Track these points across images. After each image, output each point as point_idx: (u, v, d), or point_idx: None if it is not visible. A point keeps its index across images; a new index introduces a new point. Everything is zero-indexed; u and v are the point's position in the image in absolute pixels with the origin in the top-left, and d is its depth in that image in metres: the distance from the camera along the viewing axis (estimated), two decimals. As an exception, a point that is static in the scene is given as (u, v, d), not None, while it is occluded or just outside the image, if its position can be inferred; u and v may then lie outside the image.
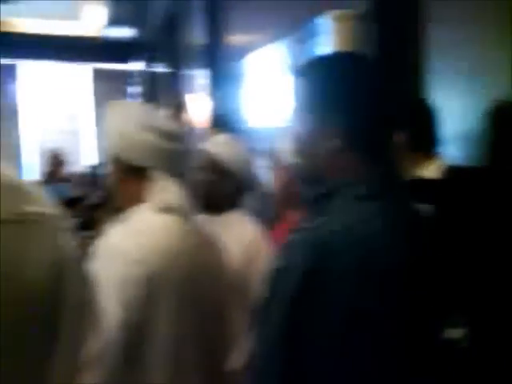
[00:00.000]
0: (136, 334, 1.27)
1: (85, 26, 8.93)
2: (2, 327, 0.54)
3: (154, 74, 8.75)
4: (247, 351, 1.74)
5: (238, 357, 1.61)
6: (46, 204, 0.61)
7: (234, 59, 5.29)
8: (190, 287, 1.36)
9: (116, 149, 1.42)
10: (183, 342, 1.34)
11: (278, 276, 0.93)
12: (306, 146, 1.04)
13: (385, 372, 0.89)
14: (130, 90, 9.94)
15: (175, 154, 1.43)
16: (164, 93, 7.72)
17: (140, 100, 9.48)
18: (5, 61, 9.56)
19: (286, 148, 1.95)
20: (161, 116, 1.46)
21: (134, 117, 1.41)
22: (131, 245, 1.30)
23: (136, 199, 1.39)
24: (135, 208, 1.38)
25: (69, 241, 0.64)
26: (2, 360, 0.54)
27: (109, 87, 10.28)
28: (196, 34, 5.57)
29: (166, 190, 1.39)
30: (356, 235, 0.90)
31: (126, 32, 8.81)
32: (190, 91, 6.46)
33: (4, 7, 7.31)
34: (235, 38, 5.21)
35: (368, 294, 0.88)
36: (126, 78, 10.14)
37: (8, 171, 0.61)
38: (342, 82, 1.00)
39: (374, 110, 1.00)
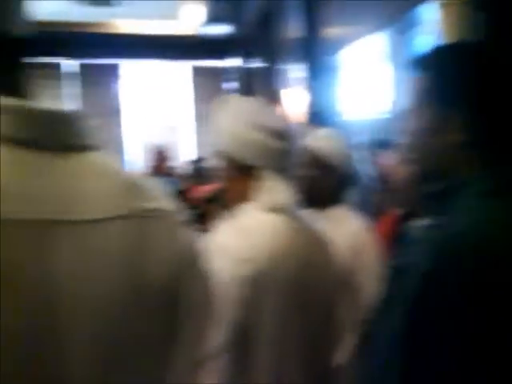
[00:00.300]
0: (242, 334, 1.28)
1: (183, 24, 9.17)
2: (125, 325, 0.55)
3: (250, 69, 8.83)
4: (352, 347, 1.72)
5: (342, 353, 1.60)
6: (163, 200, 0.62)
7: (331, 52, 5.23)
8: (296, 288, 1.35)
9: (228, 148, 1.43)
10: (288, 343, 1.34)
11: (397, 275, 0.91)
12: (424, 141, 1.00)
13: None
14: (228, 85, 10.08)
15: (283, 152, 1.43)
16: (260, 88, 7.77)
17: (237, 95, 9.59)
18: (108, 61, 10.01)
19: (397, 143, 1.91)
20: (270, 114, 1.46)
21: (244, 115, 1.42)
22: (239, 243, 1.30)
23: (243, 197, 1.40)
24: (243, 206, 1.39)
25: (188, 236, 0.64)
26: (118, 360, 0.55)
27: (208, 84, 10.50)
28: (292, 28, 5.54)
29: (274, 190, 1.38)
30: (480, 235, 0.85)
31: (222, 29, 8.94)
32: (286, 86, 6.46)
33: (106, 10, 7.65)
34: (332, 31, 5.15)
35: (491, 299, 0.83)
36: (224, 74, 10.30)
37: (125, 169, 0.62)
38: (464, 74, 0.96)
39: (497, 103, 0.95)
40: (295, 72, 5.68)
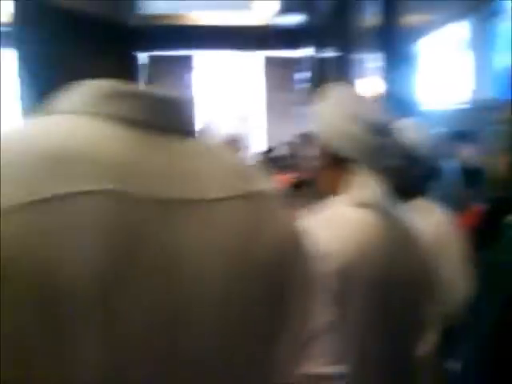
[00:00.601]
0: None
1: (256, 15, 9.20)
2: (238, 308, 0.55)
3: (323, 59, 8.76)
4: (433, 343, 1.69)
5: (423, 349, 1.56)
6: (267, 182, 0.63)
7: (409, 41, 5.10)
8: (382, 284, 1.32)
9: (325, 138, 1.42)
10: (370, 338, 1.32)
11: (493, 272, 0.88)
12: None
13: None
14: (300, 76, 10.05)
15: (381, 148, 1.40)
16: (334, 78, 7.69)
17: (309, 86, 9.55)
18: (182, 52, 10.20)
19: (479, 134, 1.85)
20: (372, 107, 1.43)
21: (346, 106, 1.40)
22: (325, 236, 1.29)
23: (334, 189, 1.38)
24: (332, 198, 1.37)
25: (292, 219, 0.65)
26: (233, 345, 0.55)
27: (279, 74, 10.52)
28: (369, 16, 5.45)
29: (365, 185, 1.36)
30: None
31: (296, 19, 8.92)
32: (362, 75, 6.37)
33: (181, 2, 7.79)
34: (411, 19, 5.02)
35: None
36: (296, 64, 10.28)
37: (228, 153, 0.63)
38: None
39: None
40: (371, 61, 5.59)
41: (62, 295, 0.44)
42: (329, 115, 1.41)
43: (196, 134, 0.59)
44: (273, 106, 10.69)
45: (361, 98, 1.45)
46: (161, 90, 0.57)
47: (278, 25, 9.06)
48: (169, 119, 0.56)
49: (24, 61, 0.61)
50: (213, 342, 0.53)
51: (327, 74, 8.43)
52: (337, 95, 1.46)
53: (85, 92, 0.54)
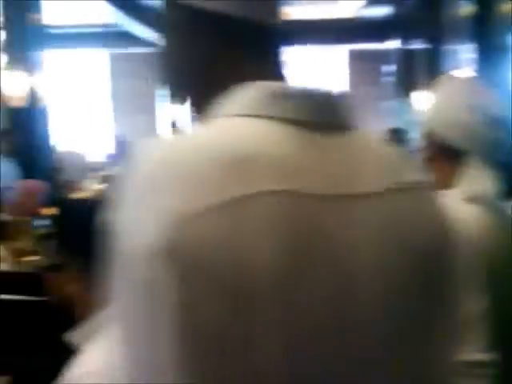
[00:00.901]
0: None
1: (343, 7, 9.10)
2: (398, 299, 0.56)
3: (410, 51, 8.55)
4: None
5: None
6: (420, 172, 0.63)
7: (504, 31, 4.89)
8: (490, 279, 1.29)
9: (432, 123, 1.38)
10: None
11: None
12: None
13: None
14: (386, 68, 9.85)
15: (497, 142, 1.35)
16: (422, 70, 7.49)
17: (395, 79, 9.35)
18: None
19: None
20: (490, 98, 1.38)
21: (462, 95, 1.35)
22: None
23: (443, 182, 1.34)
24: (441, 192, 1.34)
25: (443, 209, 0.65)
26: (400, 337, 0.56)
27: (364, 67, 10.35)
28: (462, 5, 5.27)
29: (477, 180, 1.31)
30: None
31: (383, 11, 8.74)
32: (453, 68, 6.16)
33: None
34: (507, 7, 4.80)
35: None
36: (381, 57, 10.08)
37: (384, 145, 0.64)
38: None
39: None
40: (463, 53, 5.40)
41: (249, 289, 0.47)
42: (444, 105, 1.37)
43: (353, 128, 0.60)
44: (356, 100, 10.53)
45: (479, 89, 1.40)
46: (316, 86, 0.59)
47: (364, 17, 8.90)
48: (328, 117, 0.58)
49: (195, 64, 0.63)
50: (377, 330, 0.55)
51: (415, 66, 8.22)
52: (453, 85, 1.42)
53: (251, 94, 0.56)
